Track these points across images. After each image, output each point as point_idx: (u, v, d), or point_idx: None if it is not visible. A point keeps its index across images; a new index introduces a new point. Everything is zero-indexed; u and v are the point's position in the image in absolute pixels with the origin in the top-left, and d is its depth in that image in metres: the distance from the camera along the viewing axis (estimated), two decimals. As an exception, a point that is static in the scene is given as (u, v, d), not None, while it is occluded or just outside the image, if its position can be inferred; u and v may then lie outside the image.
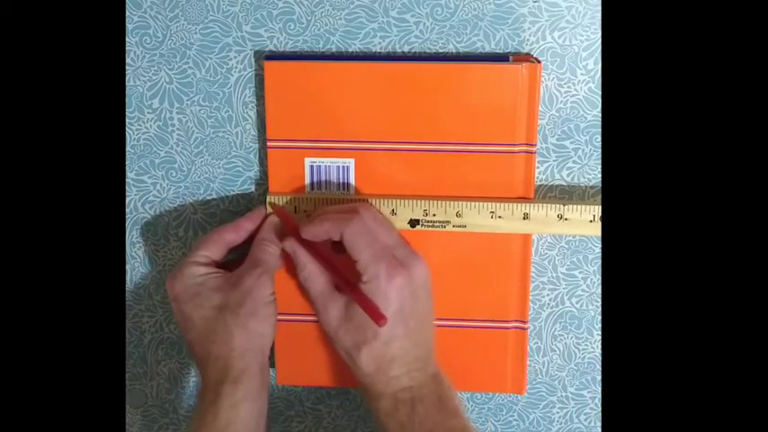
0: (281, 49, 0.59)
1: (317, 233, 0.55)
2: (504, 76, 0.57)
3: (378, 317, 0.52)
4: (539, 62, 0.57)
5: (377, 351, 0.54)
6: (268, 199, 0.59)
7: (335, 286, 0.56)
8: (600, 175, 0.60)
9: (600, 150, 0.60)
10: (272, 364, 0.62)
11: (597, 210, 0.57)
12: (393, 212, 0.58)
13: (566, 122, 0.59)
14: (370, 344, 0.53)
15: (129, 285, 0.64)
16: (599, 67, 0.58)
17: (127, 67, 0.60)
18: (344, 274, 0.55)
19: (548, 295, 0.63)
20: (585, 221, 0.58)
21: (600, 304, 0.62)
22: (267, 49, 0.59)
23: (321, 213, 0.57)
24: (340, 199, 0.59)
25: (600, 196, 0.60)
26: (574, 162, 0.60)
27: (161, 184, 0.62)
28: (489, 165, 0.58)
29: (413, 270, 0.54)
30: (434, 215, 0.58)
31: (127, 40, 0.59)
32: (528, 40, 0.58)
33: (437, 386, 0.54)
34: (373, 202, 0.58)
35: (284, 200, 0.59)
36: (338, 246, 0.56)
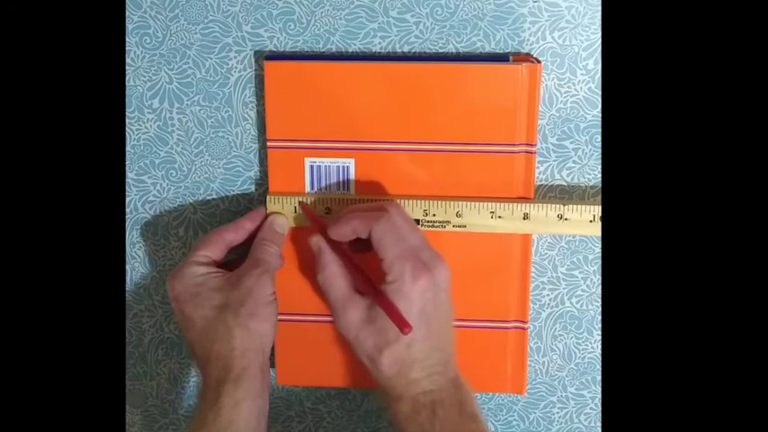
0: (281, 49, 0.59)
1: (344, 232, 0.55)
2: (504, 76, 0.57)
3: (402, 324, 0.52)
4: (539, 62, 0.57)
5: (398, 353, 0.53)
6: (268, 199, 0.59)
7: (356, 288, 0.55)
8: (600, 175, 0.60)
9: (600, 150, 0.60)
10: (272, 364, 0.63)
11: (597, 210, 0.57)
12: (393, 212, 0.58)
13: (566, 122, 0.59)
14: (392, 346, 0.53)
15: (129, 285, 0.64)
16: (599, 67, 0.58)
17: (127, 67, 0.60)
18: (367, 275, 0.55)
19: (548, 295, 0.63)
20: (585, 221, 0.58)
21: (600, 304, 0.62)
22: (267, 49, 0.59)
23: (348, 212, 0.56)
24: (341, 199, 0.59)
25: (600, 196, 0.60)
26: (574, 162, 0.60)
27: (161, 184, 0.62)
28: (489, 165, 0.58)
29: (436, 273, 0.53)
30: (434, 215, 0.58)
31: (127, 40, 0.59)
32: (528, 40, 0.58)
33: (457, 390, 0.54)
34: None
35: (284, 200, 0.59)
36: (357, 245, 0.56)
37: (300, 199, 0.59)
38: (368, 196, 0.59)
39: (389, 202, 0.56)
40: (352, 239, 0.56)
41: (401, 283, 0.53)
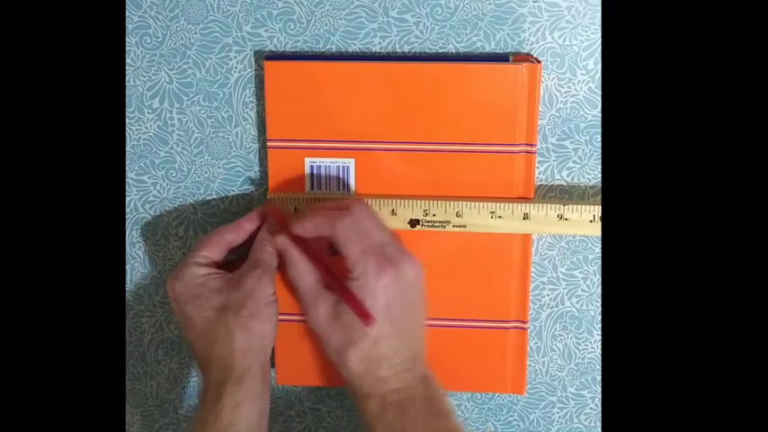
0: (281, 49, 0.59)
1: (307, 229, 0.55)
2: (504, 76, 0.57)
3: (365, 316, 0.52)
4: (539, 62, 0.57)
5: (365, 350, 0.53)
6: (269, 197, 0.59)
7: (325, 285, 0.55)
8: (600, 175, 0.60)
9: (600, 150, 0.60)
10: (272, 365, 0.62)
11: (597, 210, 0.57)
12: (393, 212, 0.58)
13: (566, 122, 0.59)
14: (359, 343, 0.53)
15: (129, 285, 0.64)
16: (599, 67, 0.58)
17: (127, 67, 0.60)
18: (335, 272, 0.55)
19: (548, 295, 0.63)
20: (585, 221, 0.58)
21: (600, 304, 0.62)
22: (267, 49, 0.59)
23: (313, 209, 0.57)
24: (339, 198, 0.59)
25: (600, 196, 0.60)
26: (574, 162, 0.60)
27: (161, 184, 0.62)
28: (489, 165, 0.58)
29: (402, 268, 0.53)
30: (434, 215, 0.58)
31: (127, 40, 0.59)
32: (528, 40, 0.58)
33: (426, 388, 0.54)
34: (373, 202, 0.58)
35: (284, 200, 0.59)
36: (334, 247, 0.56)
37: (270, 197, 0.59)
38: (368, 196, 0.59)
39: (354, 200, 0.56)
40: (327, 241, 0.55)
41: (365, 279, 0.53)
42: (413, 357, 0.54)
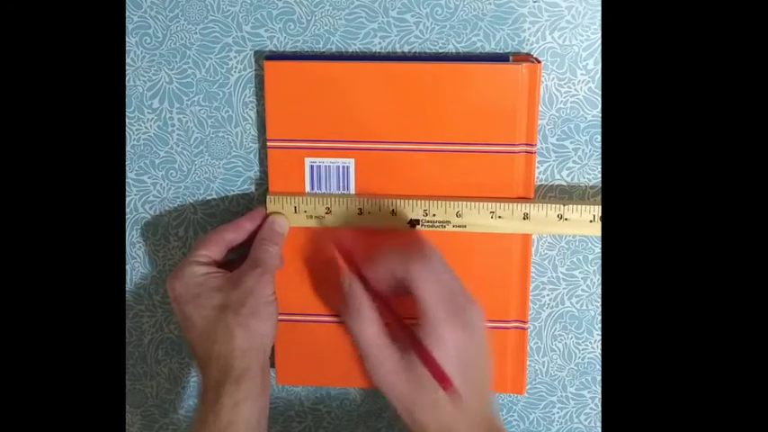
0: (281, 49, 0.59)
1: (380, 271, 0.53)
2: (504, 76, 0.57)
3: (444, 380, 0.49)
4: (539, 62, 0.57)
5: (440, 407, 0.51)
6: (268, 199, 0.59)
7: (387, 334, 0.53)
8: (600, 175, 0.60)
9: (600, 150, 0.60)
10: (272, 364, 0.62)
11: (597, 210, 0.57)
12: (393, 212, 0.58)
13: (566, 122, 0.59)
14: (431, 398, 0.51)
15: (129, 285, 0.64)
16: (599, 67, 0.58)
17: (127, 67, 0.60)
18: (404, 322, 0.52)
19: (548, 295, 0.63)
20: (585, 221, 0.58)
21: (600, 304, 0.62)
22: (267, 49, 0.59)
23: (384, 253, 0.54)
24: (341, 199, 0.59)
25: (600, 196, 0.60)
26: (574, 162, 0.60)
27: (161, 184, 0.62)
28: (489, 165, 0.58)
29: (472, 318, 0.52)
30: (434, 215, 0.58)
31: (127, 40, 0.59)
32: (528, 40, 0.58)
33: None
34: (373, 202, 0.58)
35: (284, 200, 0.59)
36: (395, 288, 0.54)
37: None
38: (368, 196, 0.59)
39: (425, 242, 0.55)
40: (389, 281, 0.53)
41: (436, 327, 0.51)
42: (483, 411, 0.53)
